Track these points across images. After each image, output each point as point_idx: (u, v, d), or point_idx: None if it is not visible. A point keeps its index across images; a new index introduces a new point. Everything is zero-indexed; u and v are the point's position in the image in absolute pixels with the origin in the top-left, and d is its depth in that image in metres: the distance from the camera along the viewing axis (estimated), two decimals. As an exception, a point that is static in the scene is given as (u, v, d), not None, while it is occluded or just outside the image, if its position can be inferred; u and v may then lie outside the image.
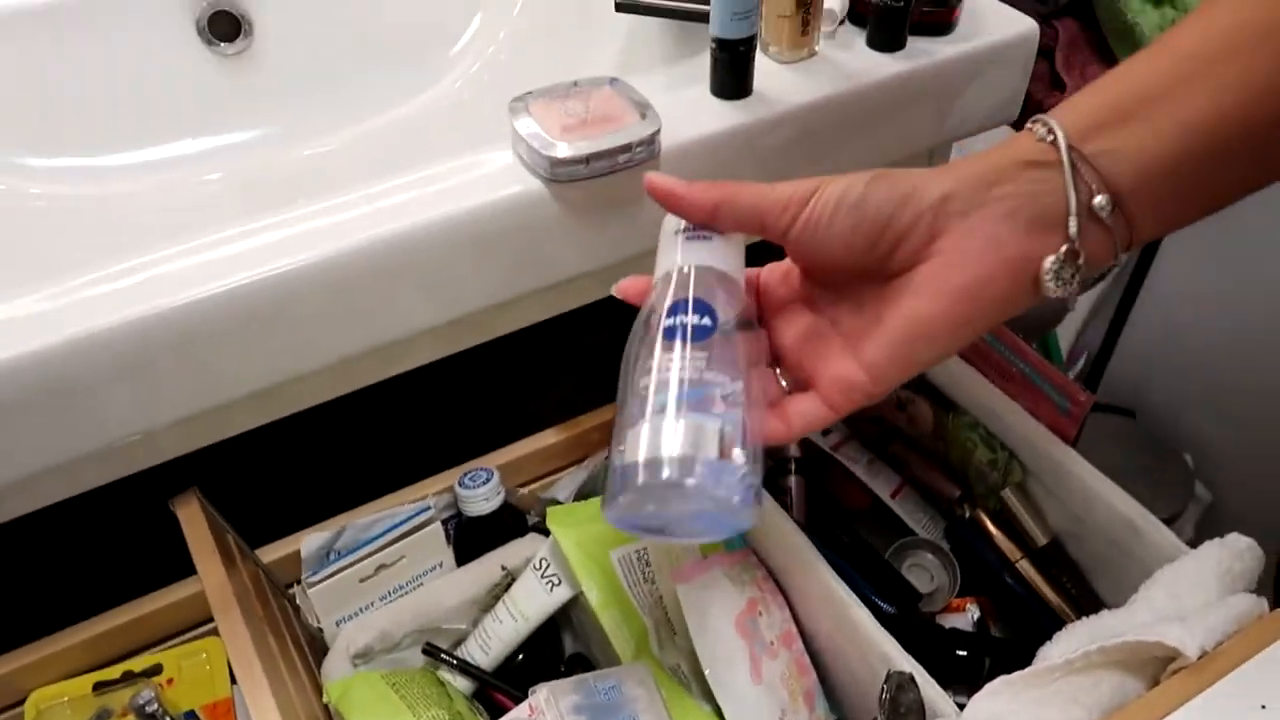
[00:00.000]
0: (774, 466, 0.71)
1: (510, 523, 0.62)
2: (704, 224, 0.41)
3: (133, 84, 0.68)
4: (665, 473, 0.34)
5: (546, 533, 0.59)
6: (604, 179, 0.51)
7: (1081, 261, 0.38)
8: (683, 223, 0.41)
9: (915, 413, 0.73)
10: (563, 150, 0.49)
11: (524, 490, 0.66)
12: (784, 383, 0.43)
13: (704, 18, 0.55)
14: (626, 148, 0.50)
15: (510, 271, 0.54)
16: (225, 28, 0.71)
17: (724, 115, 0.55)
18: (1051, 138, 0.38)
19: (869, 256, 0.39)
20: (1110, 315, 1.38)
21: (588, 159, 0.50)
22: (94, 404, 0.45)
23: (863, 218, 0.38)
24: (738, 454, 0.36)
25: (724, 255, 0.41)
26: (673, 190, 0.40)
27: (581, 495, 0.66)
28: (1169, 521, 0.61)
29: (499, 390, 0.74)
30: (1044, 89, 0.90)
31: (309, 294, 0.48)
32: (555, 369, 0.74)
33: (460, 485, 0.60)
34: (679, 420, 0.35)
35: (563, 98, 0.53)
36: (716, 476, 0.35)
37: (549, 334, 0.61)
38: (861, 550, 0.67)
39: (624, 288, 0.43)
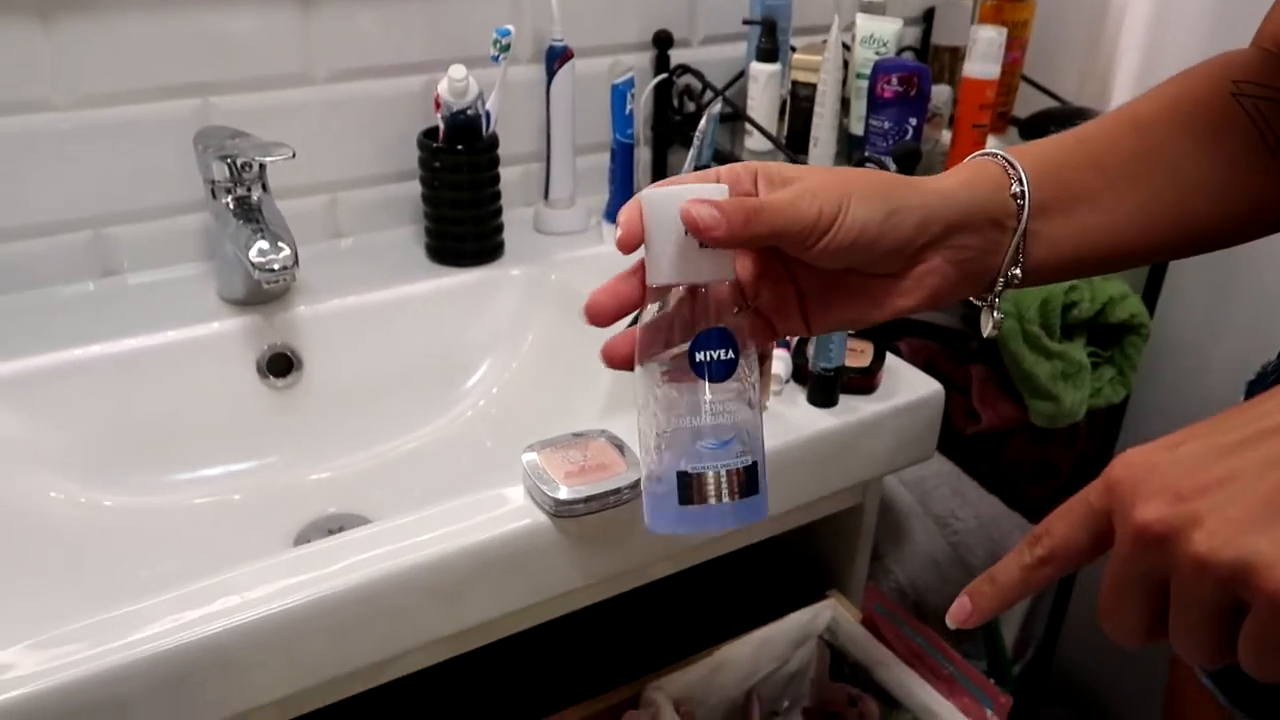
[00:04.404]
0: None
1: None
2: None
3: (198, 415, 0.82)
4: (708, 519, 0.41)
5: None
6: (598, 515, 0.63)
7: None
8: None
9: (865, 709, 0.81)
10: (564, 493, 0.62)
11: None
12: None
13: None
14: (617, 491, 0.63)
15: (515, 588, 0.64)
16: (280, 366, 0.86)
17: (693, 460, 0.68)
18: (1022, 203, 0.45)
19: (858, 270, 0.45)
20: (1050, 606, 1.47)
21: (585, 500, 0.62)
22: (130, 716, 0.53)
23: (873, 253, 0.43)
24: (763, 482, 0.42)
25: (729, 254, 0.43)
26: (718, 236, 0.40)
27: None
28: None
29: (488, 682, 0.82)
30: (964, 419, 1.06)
31: (343, 613, 0.58)
32: (539, 663, 0.83)
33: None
34: (716, 468, 0.41)
35: (565, 446, 0.66)
36: (749, 510, 0.42)
37: (538, 635, 0.71)
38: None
39: (612, 349, 0.44)
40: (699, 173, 0.44)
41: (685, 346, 0.41)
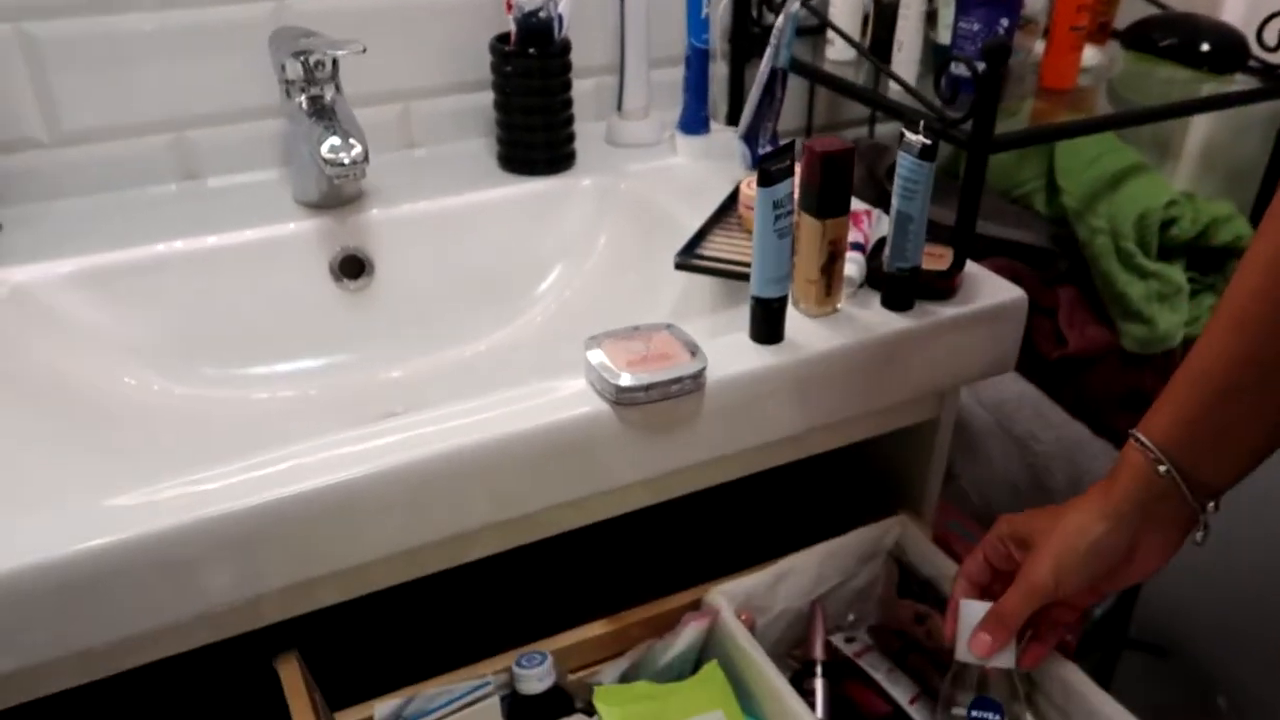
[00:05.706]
0: (799, 669, 0.77)
1: (559, 703, 0.69)
2: None
3: (271, 313, 0.83)
4: None
5: (592, 713, 0.66)
6: (659, 404, 0.62)
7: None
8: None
9: (933, 627, 0.79)
10: (626, 380, 0.61)
11: (571, 677, 0.73)
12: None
13: (746, 277, 0.68)
14: (679, 380, 0.62)
15: (576, 477, 0.64)
16: (353, 268, 0.86)
17: (760, 357, 0.67)
18: (1166, 468, 0.57)
19: None
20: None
21: (647, 388, 0.61)
22: (200, 575, 0.54)
23: (1092, 580, 0.60)
24: None
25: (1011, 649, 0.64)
26: (995, 653, 0.63)
27: (622, 681, 0.72)
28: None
29: (554, 581, 0.83)
30: (1050, 344, 1.02)
31: (403, 491, 0.58)
32: (604, 565, 0.83)
33: (517, 665, 0.68)
34: None
35: (627, 338, 0.65)
36: None
37: (600, 532, 0.71)
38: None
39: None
40: (973, 568, 0.68)
41: (972, 696, 0.64)
